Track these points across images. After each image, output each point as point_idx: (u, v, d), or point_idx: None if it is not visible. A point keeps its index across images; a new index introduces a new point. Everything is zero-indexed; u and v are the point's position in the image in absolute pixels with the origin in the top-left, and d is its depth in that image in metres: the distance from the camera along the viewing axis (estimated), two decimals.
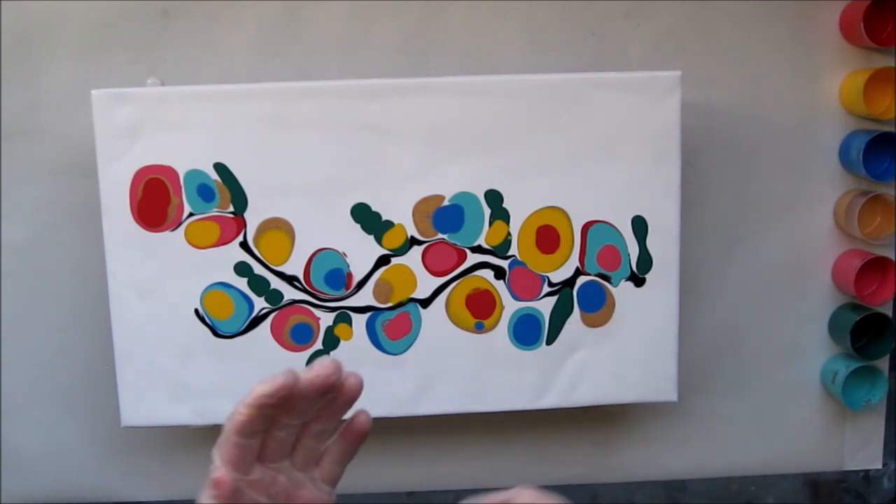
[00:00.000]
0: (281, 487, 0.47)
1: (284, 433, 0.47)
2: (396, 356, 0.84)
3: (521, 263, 0.83)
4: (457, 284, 0.83)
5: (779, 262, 0.94)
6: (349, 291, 0.83)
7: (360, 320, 0.84)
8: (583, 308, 0.84)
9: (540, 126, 0.81)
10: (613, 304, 0.85)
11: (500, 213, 0.82)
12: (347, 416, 0.49)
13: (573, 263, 0.84)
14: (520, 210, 0.83)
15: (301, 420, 0.47)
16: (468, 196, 0.82)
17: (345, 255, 0.82)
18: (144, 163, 0.80)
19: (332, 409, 0.47)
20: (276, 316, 0.83)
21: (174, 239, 0.81)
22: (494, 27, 0.88)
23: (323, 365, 0.45)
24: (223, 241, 0.82)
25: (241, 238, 0.82)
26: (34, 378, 0.92)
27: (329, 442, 0.50)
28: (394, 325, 0.84)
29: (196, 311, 0.83)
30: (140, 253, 0.81)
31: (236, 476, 0.45)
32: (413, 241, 0.82)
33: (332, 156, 0.81)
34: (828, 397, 0.96)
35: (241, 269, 0.82)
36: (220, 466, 0.45)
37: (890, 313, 0.92)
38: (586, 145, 0.82)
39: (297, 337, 0.83)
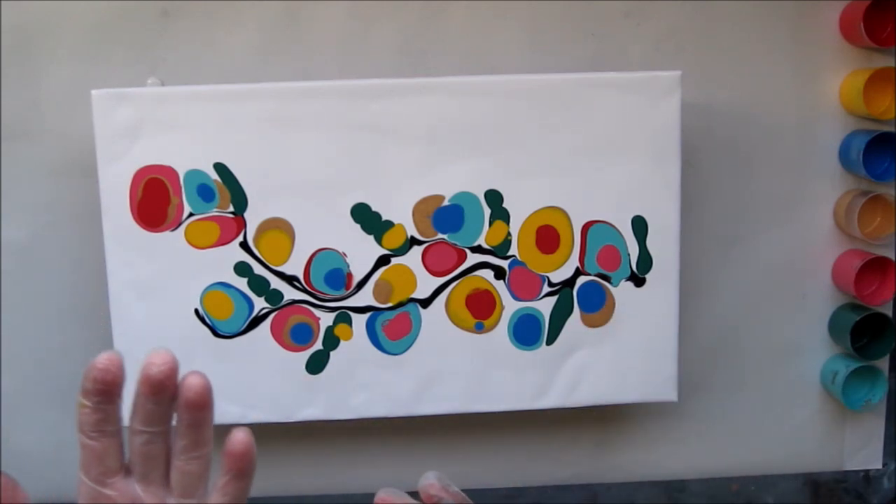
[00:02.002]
0: None
1: (139, 441, 0.42)
2: (396, 356, 0.84)
3: (521, 263, 0.83)
4: (457, 284, 0.83)
5: (779, 262, 0.94)
6: (349, 291, 0.83)
7: (360, 320, 0.84)
8: (583, 308, 0.84)
9: (540, 126, 0.81)
10: (613, 304, 0.85)
11: (500, 213, 0.83)
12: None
13: (573, 263, 0.84)
14: (520, 210, 0.83)
15: (153, 427, 0.42)
16: (468, 196, 0.82)
17: (345, 255, 0.82)
18: (144, 163, 0.80)
19: (181, 416, 0.42)
20: (276, 316, 0.83)
21: (174, 239, 0.81)
22: (494, 27, 0.88)
23: (149, 358, 0.41)
24: (223, 241, 0.82)
25: (241, 238, 0.82)
26: (34, 378, 0.92)
27: (217, 478, 0.44)
28: (394, 325, 0.84)
29: (196, 311, 0.83)
30: (140, 253, 0.81)
31: (88, 483, 0.42)
32: (413, 241, 0.82)
33: (332, 156, 0.81)
34: (828, 397, 0.96)
35: (241, 269, 0.82)
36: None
37: (890, 313, 0.92)
38: (586, 145, 0.82)
39: (297, 337, 0.83)
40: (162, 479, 0.43)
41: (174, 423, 0.43)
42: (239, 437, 0.43)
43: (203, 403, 0.42)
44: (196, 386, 0.42)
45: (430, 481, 0.49)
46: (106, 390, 0.41)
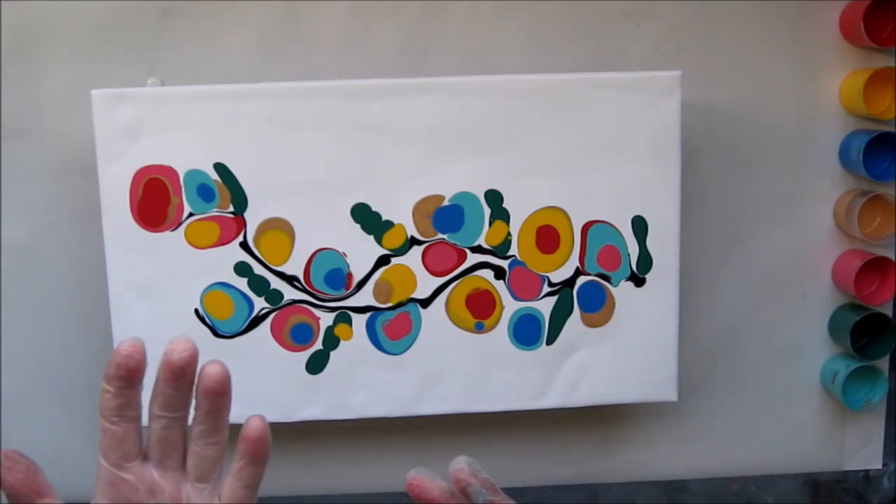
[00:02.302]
0: (168, 496, 0.44)
1: (158, 426, 0.44)
2: (396, 356, 0.84)
3: (521, 263, 0.83)
4: (457, 284, 0.83)
5: (779, 262, 0.94)
6: (349, 291, 0.83)
7: (360, 320, 0.84)
8: (583, 308, 0.84)
9: (540, 126, 0.81)
10: (613, 304, 0.85)
11: (500, 213, 0.83)
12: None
13: (573, 263, 0.84)
14: (520, 210, 0.83)
15: (172, 413, 0.44)
16: (468, 196, 0.82)
17: (345, 255, 0.82)
18: (144, 163, 0.80)
19: (200, 402, 0.44)
20: (276, 316, 0.83)
21: (174, 239, 0.81)
22: (494, 27, 0.88)
23: (171, 344, 0.43)
24: (223, 241, 0.82)
25: (241, 238, 0.82)
26: (34, 378, 0.92)
27: (233, 461, 0.46)
28: (394, 325, 0.84)
29: (196, 311, 0.83)
30: (140, 253, 0.81)
31: (107, 467, 0.43)
32: (413, 241, 0.82)
33: (332, 156, 0.81)
34: (828, 397, 0.96)
35: (241, 269, 0.82)
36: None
37: (890, 313, 0.92)
38: (586, 145, 0.82)
39: (297, 337, 0.83)
40: (178, 465, 0.45)
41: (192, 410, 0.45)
42: (254, 423, 0.45)
43: (222, 391, 0.44)
44: (215, 374, 0.44)
45: (459, 466, 0.50)
46: (128, 376, 0.42)
